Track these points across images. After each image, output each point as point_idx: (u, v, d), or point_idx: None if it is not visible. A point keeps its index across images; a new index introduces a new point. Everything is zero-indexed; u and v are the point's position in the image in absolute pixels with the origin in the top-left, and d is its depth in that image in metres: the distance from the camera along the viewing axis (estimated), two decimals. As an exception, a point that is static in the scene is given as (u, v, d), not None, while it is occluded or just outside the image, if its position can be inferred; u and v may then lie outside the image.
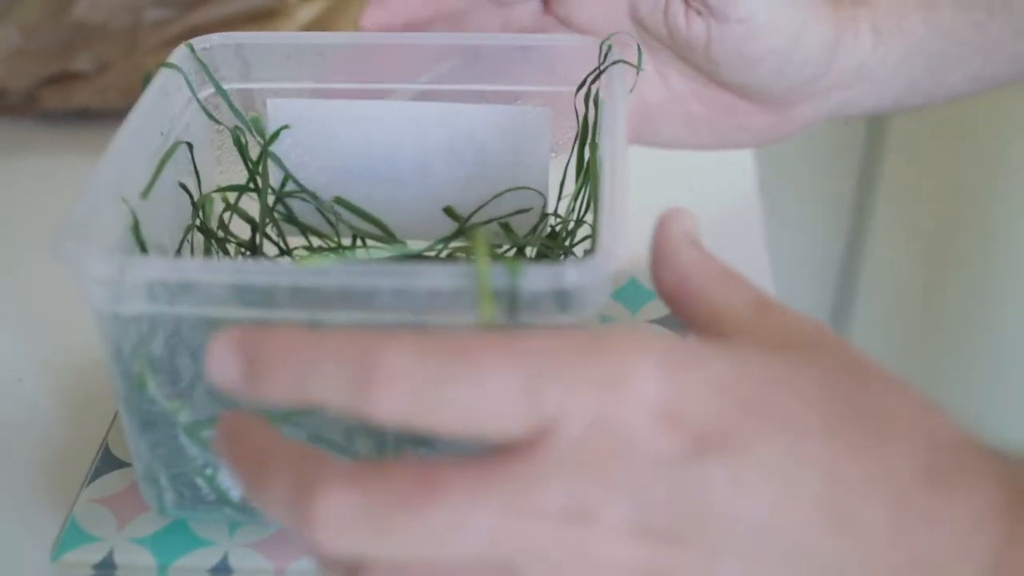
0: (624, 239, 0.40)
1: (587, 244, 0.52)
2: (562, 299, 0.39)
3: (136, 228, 0.45)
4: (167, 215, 0.50)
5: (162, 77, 0.50)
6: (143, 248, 0.45)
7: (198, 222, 0.52)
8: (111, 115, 0.73)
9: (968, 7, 0.55)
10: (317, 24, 0.77)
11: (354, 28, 0.79)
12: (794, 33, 0.51)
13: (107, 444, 0.50)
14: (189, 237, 0.51)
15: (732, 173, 0.69)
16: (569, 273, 0.38)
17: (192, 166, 0.51)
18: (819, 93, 0.55)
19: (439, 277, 0.38)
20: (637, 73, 0.50)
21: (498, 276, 0.38)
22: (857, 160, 1.38)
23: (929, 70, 0.56)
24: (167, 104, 0.50)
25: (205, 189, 0.53)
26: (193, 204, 0.52)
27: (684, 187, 0.68)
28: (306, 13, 0.75)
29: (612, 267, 0.39)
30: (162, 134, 0.49)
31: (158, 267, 0.39)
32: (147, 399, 0.42)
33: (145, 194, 0.46)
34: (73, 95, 0.73)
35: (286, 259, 0.55)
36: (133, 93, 0.71)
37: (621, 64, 0.50)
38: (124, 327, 0.41)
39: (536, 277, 0.38)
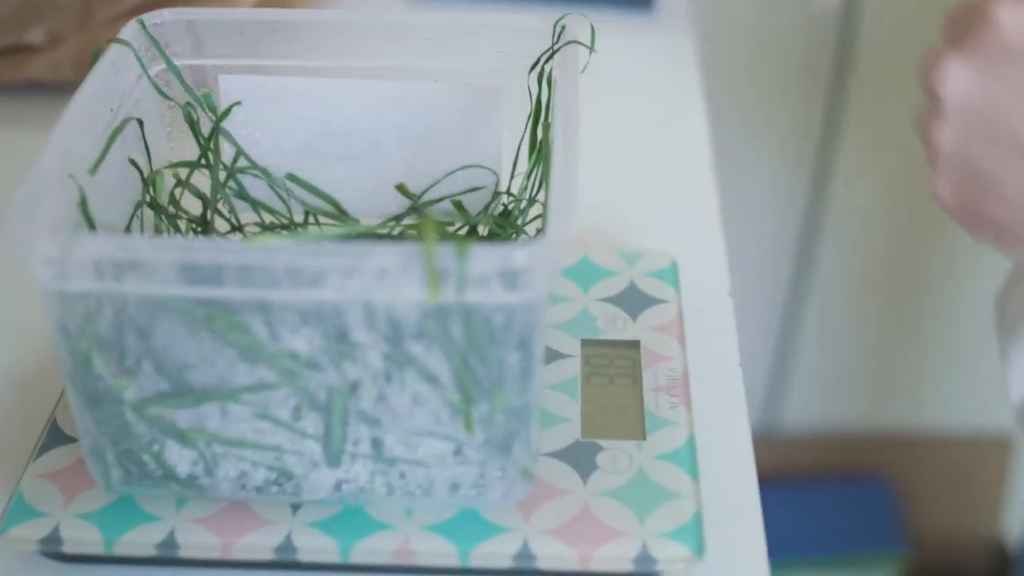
0: (573, 219, 0.40)
1: (540, 223, 0.52)
2: (510, 279, 0.39)
3: (84, 204, 0.45)
4: (117, 192, 0.49)
5: (112, 53, 0.50)
6: (91, 225, 0.45)
7: (148, 199, 0.52)
8: (64, 88, 0.73)
9: None
10: (278, 2, 0.77)
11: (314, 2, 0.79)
12: None
13: (55, 419, 0.50)
14: (139, 214, 0.51)
15: (687, 148, 0.69)
16: (516, 253, 0.38)
17: (143, 143, 0.51)
18: None
19: (387, 256, 0.38)
20: (590, 53, 0.50)
21: (446, 256, 0.38)
22: (816, 140, 1.38)
23: None
24: (117, 80, 0.50)
25: (156, 165, 0.52)
26: (143, 180, 0.51)
27: (639, 161, 0.68)
28: (264, -12, 0.75)
29: (560, 248, 0.39)
30: (112, 110, 0.49)
31: (104, 244, 0.39)
32: (94, 376, 0.42)
33: (93, 170, 0.46)
34: (26, 68, 0.73)
35: (236, 236, 0.55)
36: (86, 66, 0.71)
37: (575, 44, 0.50)
38: (70, 305, 0.41)
39: (483, 257, 0.38)
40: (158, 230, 0.52)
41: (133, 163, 0.50)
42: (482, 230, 0.55)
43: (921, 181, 0.56)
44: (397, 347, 0.41)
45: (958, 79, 0.51)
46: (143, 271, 0.39)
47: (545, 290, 0.40)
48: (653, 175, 0.67)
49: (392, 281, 0.39)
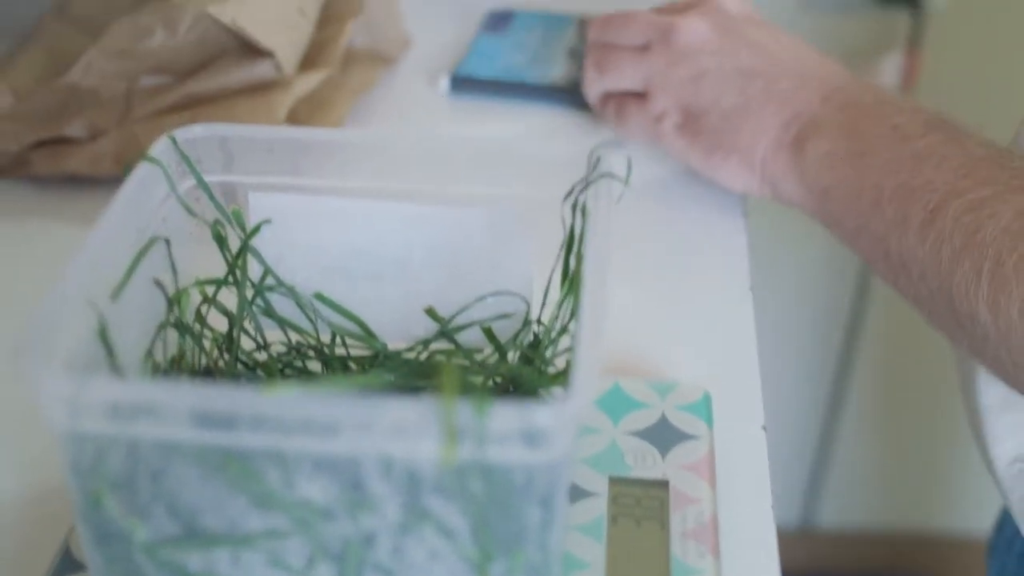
0: (597, 374, 0.39)
1: (568, 357, 0.51)
2: (531, 438, 0.38)
3: (103, 333, 0.44)
4: (141, 312, 0.49)
5: (141, 171, 0.49)
6: (111, 352, 0.44)
7: (172, 319, 0.51)
8: (103, 182, 0.72)
9: None
10: (315, 97, 0.76)
11: (351, 101, 0.78)
12: None
13: (68, 546, 0.49)
14: (162, 335, 0.50)
15: (725, 267, 0.68)
16: (539, 413, 0.37)
17: (169, 260, 0.50)
18: None
19: (403, 412, 0.37)
20: (625, 186, 0.49)
21: (464, 414, 0.37)
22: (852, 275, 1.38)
23: None
24: (145, 198, 0.49)
25: (182, 281, 0.52)
26: (168, 300, 0.51)
27: (675, 281, 0.67)
28: (303, 85, 0.74)
29: (583, 407, 0.38)
30: (139, 230, 0.48)
31: (116, 388, 0.38)
32: (104, 515, 0.41)
33: (115, 296, 0.45)
34: (65, 161, 0.73)
35: (261, 355, 0.54)
36: (125, 161, 0.71)
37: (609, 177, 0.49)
38: (82, 445, 0.40)
39: (504, 417, 0.37)
40: (182, 351, 0.52)
41: (158, 284, 0.50)
42: (511, 356, 0.54)
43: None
44: (414, 500, 0.40)
45: (699, 29, 0.72)
46: (156, 415, 0.38)
47: (569, 450, 0.39)
48: (690, 296, 0.65)
49: (409, 437, 0.38)
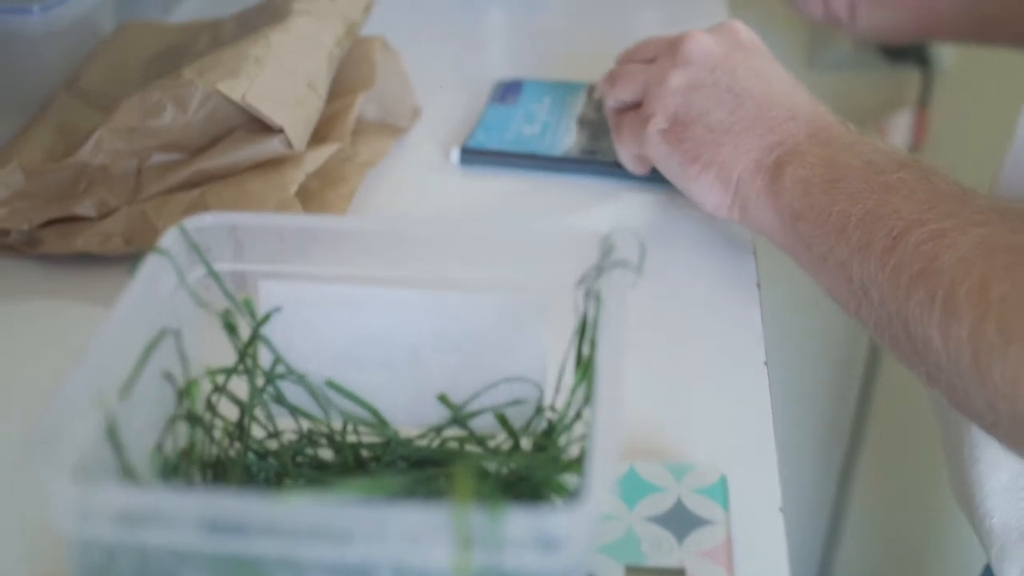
0: (613, 477, 0.38)
1: (582, 445, 0.50)
2: (546, 545, 0.37)
3: (112, 433, 0.43)
4: (151, 404, 0.48)
5: (151, 263, 0.49)
6: (119, 451, 0.44)
7: (183, 411, 0.50)
8: (112, 260, 0.72)
9: None
10: (325, 170, 0.76)
11: (362, 173, 0.78)
12: None
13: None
14: (172, 427, 0.50)
15: (740, 344, 0.67)
16: (553, 520, 0.36)
17: (179, 351, 0.50)
18: None
19: (417, 518, 0.37)
20: (638, 274, 0.48)
21: (479, 520, 0.36)
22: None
23: None
24: (155, 290, 0.49)
25: (193, 369, 0.51)
26: (178, 392, 0.50)
27: (690, 359, 0.66)
28: (313, 160, 0.74)
29: (599, 511, 0.37)
30: (149, 322, 0.48)
31: (125, 496, 0.38)
32: (113, 620, 0.41)
33: (124, 394, 0.45)
34: (74, 239, 0.72)
35: (272, 443, 0.54)
36: (135, 240, 0.71)
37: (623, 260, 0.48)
38: (91, 550, 0.39)
39: (519, 523, 0.36)
40: (192, 441, 0.51)
41: (168, 377, 0.49)
42: (525, 442, 0.53)
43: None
44: (427, 605, 0.39)
45: (705, 43, 0.74)
46: (165, 522, 0.38)
47: (585, 554, 0.38)
48: (704, 371, 0.65)
49: (422, 544, 0.37)
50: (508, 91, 0.84)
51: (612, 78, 0.79)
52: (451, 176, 0.83)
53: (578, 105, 0.85)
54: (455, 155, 0.84)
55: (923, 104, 1.23)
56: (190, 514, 0.37)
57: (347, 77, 0.83)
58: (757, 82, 0.72)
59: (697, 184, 0.71)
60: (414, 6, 1.11)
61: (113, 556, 0.40)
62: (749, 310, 0.69)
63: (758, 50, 0.75)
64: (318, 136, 0.78)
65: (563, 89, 0.88)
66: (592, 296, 0.50)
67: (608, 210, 0.79)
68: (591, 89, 0.86)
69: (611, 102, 0.79)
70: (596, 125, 0.83)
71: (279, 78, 0.74)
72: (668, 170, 0.74)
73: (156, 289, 0.49)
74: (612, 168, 0.81)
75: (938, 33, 1.01)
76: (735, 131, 0.70)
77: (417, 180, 0.83)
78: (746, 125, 0.70)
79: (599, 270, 0.49)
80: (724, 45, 0.74)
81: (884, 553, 1.55)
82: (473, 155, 0.83)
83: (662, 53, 0.76)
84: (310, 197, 0.75)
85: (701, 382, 0.64)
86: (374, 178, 0.81)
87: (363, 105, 0.83)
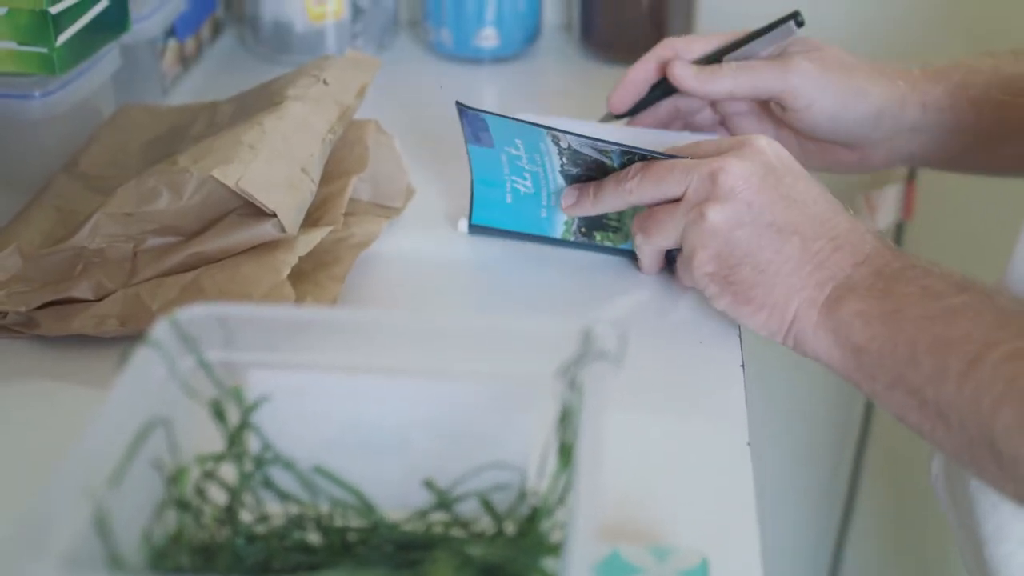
0: (591, 562, 0.39)
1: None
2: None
3: (101, 524, 0.44)
4: (140, 492, 0.49)
5: (141, 353, 0.50)
6: (109, 543, 0.45)
7: (172, 498, 0.51)
8: (107, 342, 0.74)
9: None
10: (318, 252, 0.78)
11: (355, 255, 0.79)
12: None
13: None
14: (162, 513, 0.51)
15: (723, 421, 0.68)
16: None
17: (169, 439, 0.51)
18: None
19: (396, 611, 0.38)
20: (618, 365, 0.49)
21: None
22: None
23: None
24: (145, 380, 0.50)
25: (182, 456, 0.52)
26: (167, 478, 0.51)
27: (672, 438, 0.67)
28: (306, 243, 0.75)
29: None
30: (139, 412, 0.49)
31: (112, 589, 0.39)
32: None
33: (113, 484, 0.46)
34: (71, 321, 0.74)
35: (262, 527, 0.55)
36: (130, 322, 0.72)
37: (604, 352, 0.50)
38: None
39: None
40: (181, 527, 0.52)
41: (157, 467, 0.50)
42: (509, 526, 0.54)
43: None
44: None
45: (739, 174, 0.71)
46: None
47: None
48: (686, 452, 0.66)
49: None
50: (478, 130, 0.83)
51: (644, 229, 0.77)
52: (445, 255, 0.85)
53: (552, 156, 0.81)
54: (463, 225, 0.86)
55: (911, 178, 1.25)
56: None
57: (341, 159, 0.84)
58: (797, 212, 0.71)
59: (751, 321, 0.71)
60: (408, 88, 1.13)
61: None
62: (733, 391, 0.70)
63: (789, 169, 0.73)
64: (312, 218, 0.79)
65: (523, 130, 0.81)
66: (573, 386, 0.51)
67: (602, 284, 0.82)
68: (555, 137, 0.79)
69: (648, 252, 0.79)
70: (580, 180, 0.81)
71: (272, 163, 0.76)
72: (718, 306, 0.73)
73: (147, 378, 0.50)
74: (610, 251, 0.84)
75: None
76: (784, 272, 0.70)
77: (410, 259, 0.84)
78: (794, 264, 0.70)
79: (580, 361, 0.50)
80: (757, 173, 0.71)
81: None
82: (479, 229, 0.85)
83: (692, 187, 0.73)
84: (303, 278, 0.76)
85: (684, 462, 0.65)
86: (367, 258, 0.82)
87: (357, 187, 0.84)
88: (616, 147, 0.78)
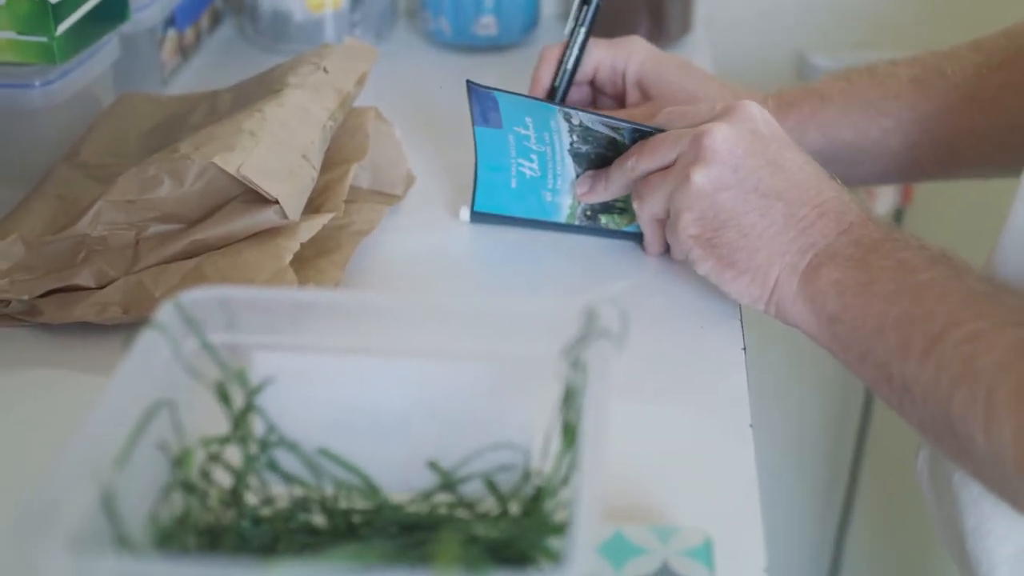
0: (596, 541, 0.39)
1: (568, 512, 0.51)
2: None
3: (108, 504, 0.44)
4: (146, 473, 0.49)
5: (146, 337, 0.50)
6: (116, 523, 0.45)
7: (177, 480, 0.51)
8: (111, 328, 0.74)
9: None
10: (319, 239, 0.78)
11: (356, 242, 0.80)
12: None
13: None
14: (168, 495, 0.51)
15: (726, 405, 0.68)
16: (535, 588, 0.37)
17: (174, 421, 0.51)
18: None
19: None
20: (620, 344, 0.49)
21: (462, 588, 0.37)
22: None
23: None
24: (150, 363, 0.50)
25: (188, 438, 0.52)
26: (173, 461, 0.51)
27: (674, 419, 0.67)
28: (308, 230, 0.76)
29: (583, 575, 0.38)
30: (144, 395, 0.49)
31: (120, 566, 0.39)
32: None
33: (119, 465, 0.46)
34: (73, 309, 0.74)
35: (266, 510, 0.55)
36: (132, 309, 0.73)
37: (607, 330, 0.50)
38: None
39: (501, 590, 0.38)
40: (187, 509, 0.52)
41: (162, 448, 0.51)
42: (513, 507, 0.54)
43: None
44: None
45: (725, 138, 0.72)
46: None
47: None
48: (689, 434, 0.66)
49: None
50: (487, 110, 0.83)
51: (639, 196, 0.78)
52: (445, 242, 0.85)
53: (563, 133, 0.82)
54: (464, 214, 0.86)
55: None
56: (183, 583, 0.38)
57: (341, 147, 0.84)
58: (783, 178, 0.72)
59: (733, 286, 0.72)
60: (408, 76, 1.13)
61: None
62: (735, 374, 0.70)
63: (775, 136, 0.74)
64: (313, 205, 0.79)
65: (535, 108, 0.82)
66: (577, 365, 0.51)
67: (603, 270, 0.82)
68: (566, 115, 0.80)
69: (645, 219, 0.80)
70: (589, 158, 0.82)
71: (273, 150, 0.76)
72: (701, 270, 0.74)
73: (151, 361, 0.51)
74: (615, 234, 0.84)
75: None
76: (767, 236, 0.71)
77: (411, 246, 0.84)
78: (778, 228, 0.71)
79: (583, 340, 0.50)
80: (744, 138, 0.72)
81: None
82: (482, 216, 0.86)
83: (682, 152, 0.74)
84: (305, 265, 0.76)
85: (687, 445, 0.65)
86: (368, 245, 0.82)
87: (357, 174, 0.85)
88: (627, 125, 0.78)
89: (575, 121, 0.79)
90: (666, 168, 0.76)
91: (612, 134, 0.79)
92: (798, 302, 0.69)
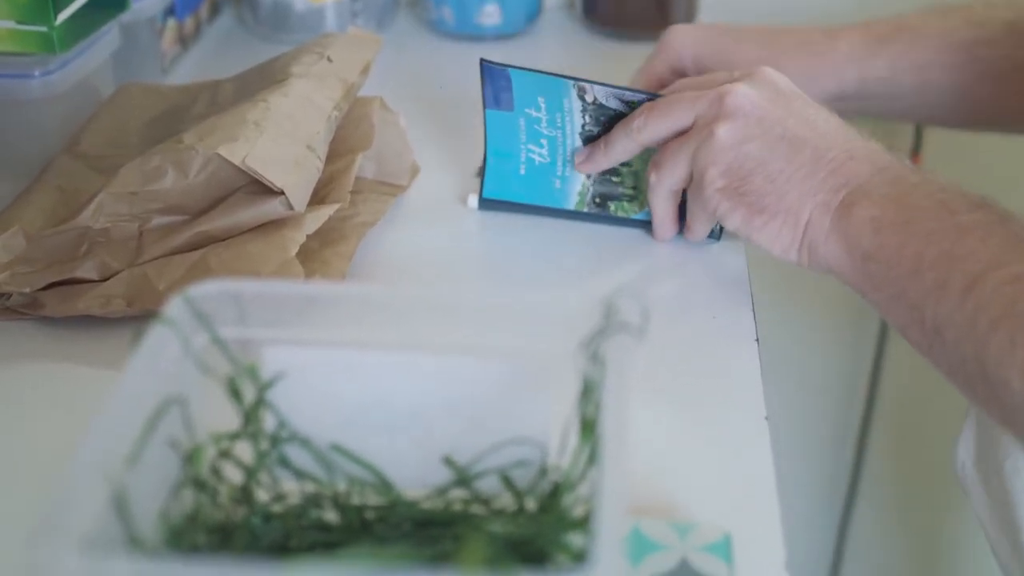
0: (621, 540, 0.39)
1: (587, 506, 0.50)
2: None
3: (120, 504, 0.43)
4: (157, 471, 0.48)
5: (155, 332, 0.49)
6: (128, 523, 0.44)
7: (188, 477, 0.50)
8: (115, 322, 0.73)
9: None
10: (325, 231, 0.77)
11: (362, 233, 0.78)
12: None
13: None
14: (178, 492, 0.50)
15: (739, 398, 0.68)
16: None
17: (185, 417, 0.50)
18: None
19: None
20: (640, 337, 0.49)
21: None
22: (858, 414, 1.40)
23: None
24: (159, 359, 0.49)
25: (198, 434, 0.51)
26: (183, 457, 0.50)
27: (689, 413, 0.67)
28: (313, 221, 0.75)
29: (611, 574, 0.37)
30: (154, 391, 0.48)
31: (132, 567, 0.38)
32: None
33: (130, 463, 0.45)
34: (76, 302, 0.73)
35: (278, 506, 0.54)
36: (136, 302, 0.71)
37: (625, 324, 0.49)
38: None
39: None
40: (198, 507, 0.51)
41: (173, 446, 0.50)
42: (530, 503, 0.53)
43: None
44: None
45: (746, 95, 0.72)
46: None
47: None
48: (704, 428, 0.65)
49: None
50: (500, 90, 0.82)
51: (657, 167, 0.76)
52: (452, 233, 0.84)
53: (575, 113, 0.81)
54: (472, 201, 0.85)
55: (916, 151, 1.24)
56: (200, 585, 0.37)
57: (346, 137, 0.83)
58: (808, 128, 0.71)
59: (763, 233, 0.71)
60: (412, 66, 1.12)
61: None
62: (748, 365, 0.69)
63: (798, 96, 0.73)
64: (318, 197, 0.78)
65: (549, 85, 0.81)
66: (596, 359, 0.50)
67: (613, 260, 0.81)
68: (580, 88, 0.79)
69: (662, 193, 0.77)
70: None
71: (278, 141, 0.75)
72: (731, 223, 0.73)
73: (161, 357, 0.50)
74: (623, 222, 0.83)
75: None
76: (796, 178, 0.70)
77: (417, 237, 0.83)
78: (807, 171, 0.70)
79: (602, 334, 0.49)
80: (766, 95, 0.72)
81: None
82: (490, 204, 0.85)
83: (700, 112, 0.73)
84: (310, 256, 0.75)
85: (703, 439, 0.64)
86: (373, 236, 0.81)
87: (362, 165, 0.83)
88: (643, 96, 0.77)
89: (589, 99, 0.79)
90: (681, 134, 0.74)
91: (625, 109, 0.79)
92: (831, 240, 0.68)
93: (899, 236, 0.65)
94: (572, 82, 0.78)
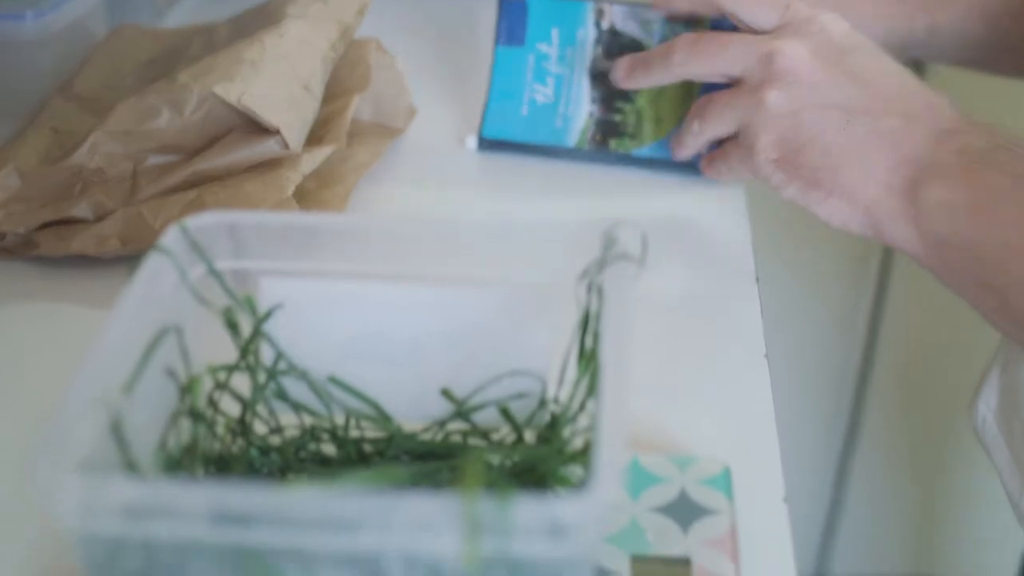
0: (620, 466, 0.38)
1: (587, 436, 0.50)
2: (556, 532, 0.37)
3: (116, 430, 0.43)
4: (154, 401, 0.48)
5: (152, 261, 0.49)
6: (125, 449, 0.44)
7: (185, 407, 0.50)
8: (109, 262, 0.72)
9: None
10: (322, 172, 0.76)
11: (358, 174, 0.78)
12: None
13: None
14: (176, 424, 0.50)
15: (739, 336, 0.67)
16: (563, 508, 0.36)
17: (181, 349, 0.50)
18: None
19: (425, 506, 0.37)
20: (640, 266, 0.48)
21: (488, 508, 0.36)
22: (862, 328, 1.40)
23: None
24: (156, 289, 0.49)
25: (195, 367, 0.51)
26: (181, 388, 0.50)
27: (689, 350, 0.66)
28: (310, 161, 0.74)
29: (609, 499, 0.37)
30: (151, 320, 0.48)
31: (131, 489, 0.38)
32: (121, 615, 0.41)
33: (127, 390, 0.45)
34: (71, 241, 0.72)
35: (275, 438, 0.54)
36: (131, 241, 0.71)
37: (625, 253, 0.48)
38: (97, 545, 0.39)
39: (528, 511, 0.36)
40: (195, 438, 0.51)
41: (170, 374, 0.49)
42: (529, 435, 0.53)
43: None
44: (436, 594, 0.39)
45: (798, 56, 0.67)
46: (172, 515, 0.38)
47: (595, 543, 0.38)
48: (704, 365, 0.65)
49: (431, 532, 0.37)
50: (514, 23, 0.80)
51: (700, 112, 0.73)
52: (449, 175, 0.83)
53: (588, 46, 0.80)
54: (471, 142, 0.85)
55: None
56: (197, 506, 0.37)
57: (342, 79, 0.83)
58: (863, 89, 0.67)
59: (823, 208, 0.67)
60: (408, 9, 1.11)
61: (119, 550, 0.40)
62: (748, 304, 0.69)
63: (855, 46, 0.69)
64: (314, 138, 0.78)
65: (568, 13, 0.81)
66: (595, 289, 0.50)
67: (613, 202, 0.80)
68: (599, 11, 0.79)
69: (701, 141, 0.75)
70: (607, 83, 0.81)
71: (274, 80, 0.74)
72: (785, 194, 0.69)
73: (158, 287, 0.49)
74: (623, 159, 0.83)
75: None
76: (854, 151, 0.66)
77: (414, 179, 0.83)
78: (866, 144, 0.65)
79: (601, 263, 0.49)
80: (819, 53, 0.67)
81: (882, 542, 1.56)
82: (490, 144, 0.84)
83: (751, 71, 0.69)
84: (307, 197, 0.75)
85: (703, 376, 0.64)
86: (370, 178, 0.80)
87: (358, 107, 0.83)
88: (659, 17, 0.77)
89: (604, 25, 0.78)
90: (730, 86, 0.72)
91: (641, 34, 0.78)
92: (901, 224, 0.64)
93: (977, 224, 0.61)
94: (591, 4, 0.78)
